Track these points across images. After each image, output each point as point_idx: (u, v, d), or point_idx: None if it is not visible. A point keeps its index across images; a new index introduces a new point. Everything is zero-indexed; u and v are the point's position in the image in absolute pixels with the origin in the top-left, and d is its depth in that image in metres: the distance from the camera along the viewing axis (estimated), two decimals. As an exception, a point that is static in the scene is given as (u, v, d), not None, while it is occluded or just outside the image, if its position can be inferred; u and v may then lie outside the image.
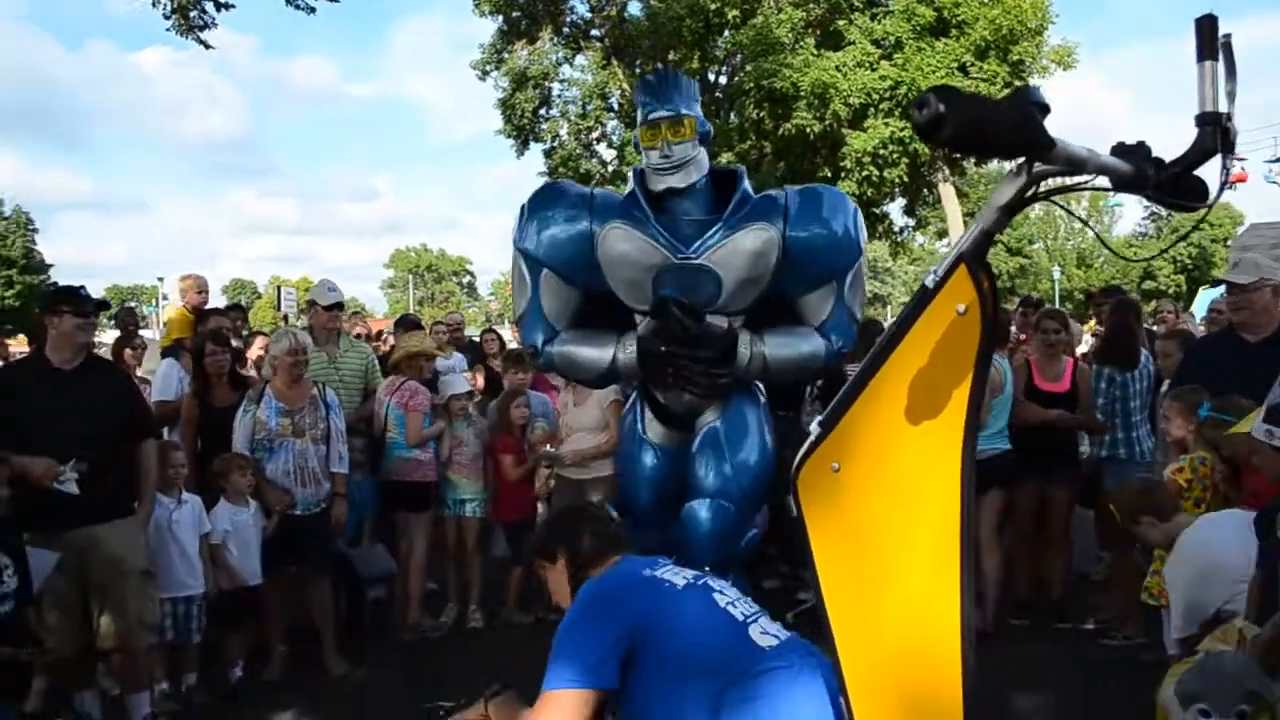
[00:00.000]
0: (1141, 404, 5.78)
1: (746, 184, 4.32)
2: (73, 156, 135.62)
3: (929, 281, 1.33)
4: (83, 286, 4.63)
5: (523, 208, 4.40)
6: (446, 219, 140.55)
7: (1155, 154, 1.38)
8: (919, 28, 22.59)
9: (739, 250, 4.15)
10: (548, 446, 6.40)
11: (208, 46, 14.63)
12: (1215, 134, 1.37)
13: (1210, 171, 1.41)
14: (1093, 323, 11.24)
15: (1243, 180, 25.90)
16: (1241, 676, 2.95)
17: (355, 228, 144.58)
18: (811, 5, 23.60)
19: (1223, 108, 1.38)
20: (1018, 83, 22.21)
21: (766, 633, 2.42)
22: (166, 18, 14.18)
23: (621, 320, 4.45)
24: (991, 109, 1.15)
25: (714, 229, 4.17)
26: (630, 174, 4.47)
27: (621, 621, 2.41)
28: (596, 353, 4.42)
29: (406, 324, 8.27)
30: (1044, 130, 1.20)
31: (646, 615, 2.42)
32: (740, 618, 2.45)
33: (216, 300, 7.97)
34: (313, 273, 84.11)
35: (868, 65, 22.60)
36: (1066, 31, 56.15)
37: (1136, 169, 1.35)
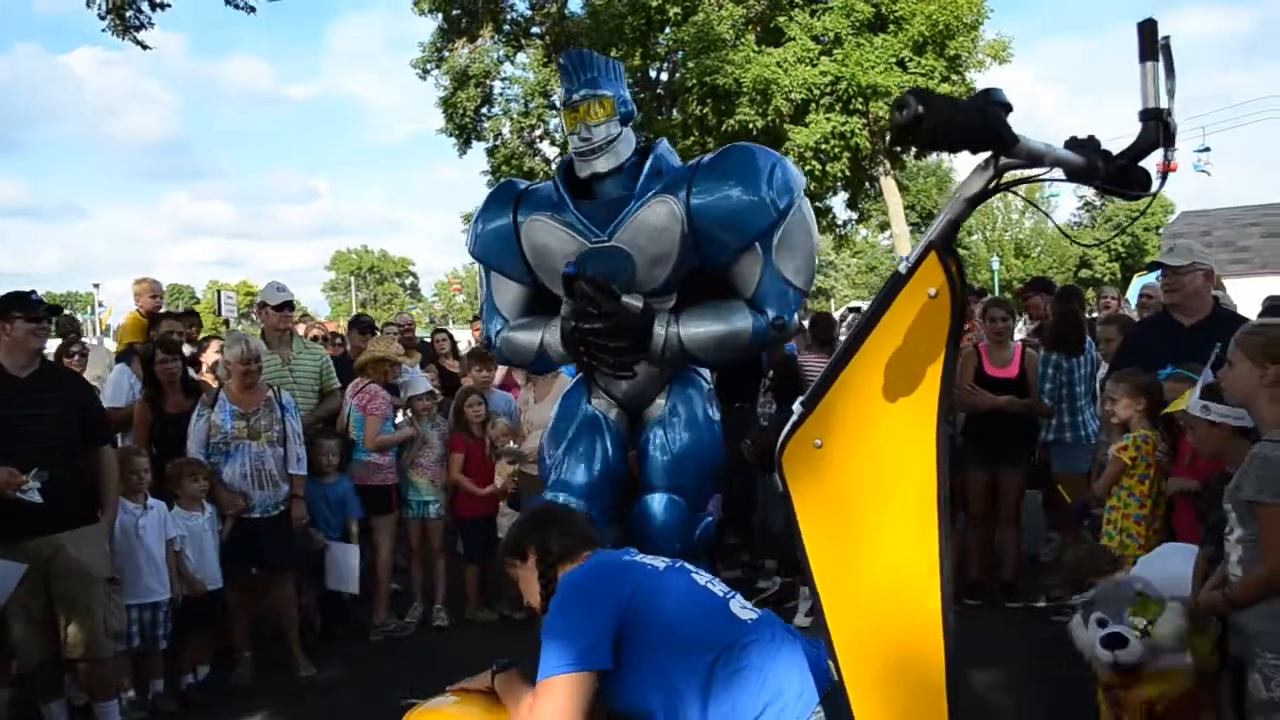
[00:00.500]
0: (1086, 388, 5.99)
1: (666, 156, 4.28)
2: (4, 161, 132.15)
3: (902, 268, 1.44)
4: (33, 292, 4.59)
5: (476, 212, 4.69)
6: (388, 220, 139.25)
7: (1104, 147, 1.50)
8: (858, 23, 22.89)
9: (642, 226, 4.07)
10: (510, 443, 6.45)
11: (145, 47, 14.37)
12: (1157, 128, 1.49)
13: (1153, 162, 1.53)
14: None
15: (1173, 170, 26.51)
16: (1130, 583, 3.17)
17: (295, 230, 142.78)
18: (752, 2, 23.81)
19: (1163, 104, 1.49)
20: (954, 76, 22.66)
21: (745, 608, 2.48)
22: (102, 18, 13.92)
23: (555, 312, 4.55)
24: (962, 109, 1.25)
25: (627, 208, 4.12)
26: (558, 166, 4.48)
27: (610, 604, 2.44)
28: (527, 336, 4.55)
29: (361, 325, 8.29)
30: (1008, 127, 1.31)
31: (633, 596, 2.45)
32: (720, 594, 2.51)
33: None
34: (252, 276, 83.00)
35: (808, 61, 22.85)
36: (1001, 26, 56.98)
37: (1088, 161, 1.46)
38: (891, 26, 22.78)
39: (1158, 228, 45.38)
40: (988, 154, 1.35)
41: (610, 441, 4.51)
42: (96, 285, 42.29)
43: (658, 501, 4.39)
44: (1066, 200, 55.43)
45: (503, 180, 4.90)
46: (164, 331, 6.20)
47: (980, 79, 23.50)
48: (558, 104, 28.36)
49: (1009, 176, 1.41)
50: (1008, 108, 1.33)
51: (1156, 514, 4.38)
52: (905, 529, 1.45)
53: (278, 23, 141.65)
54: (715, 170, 4.08)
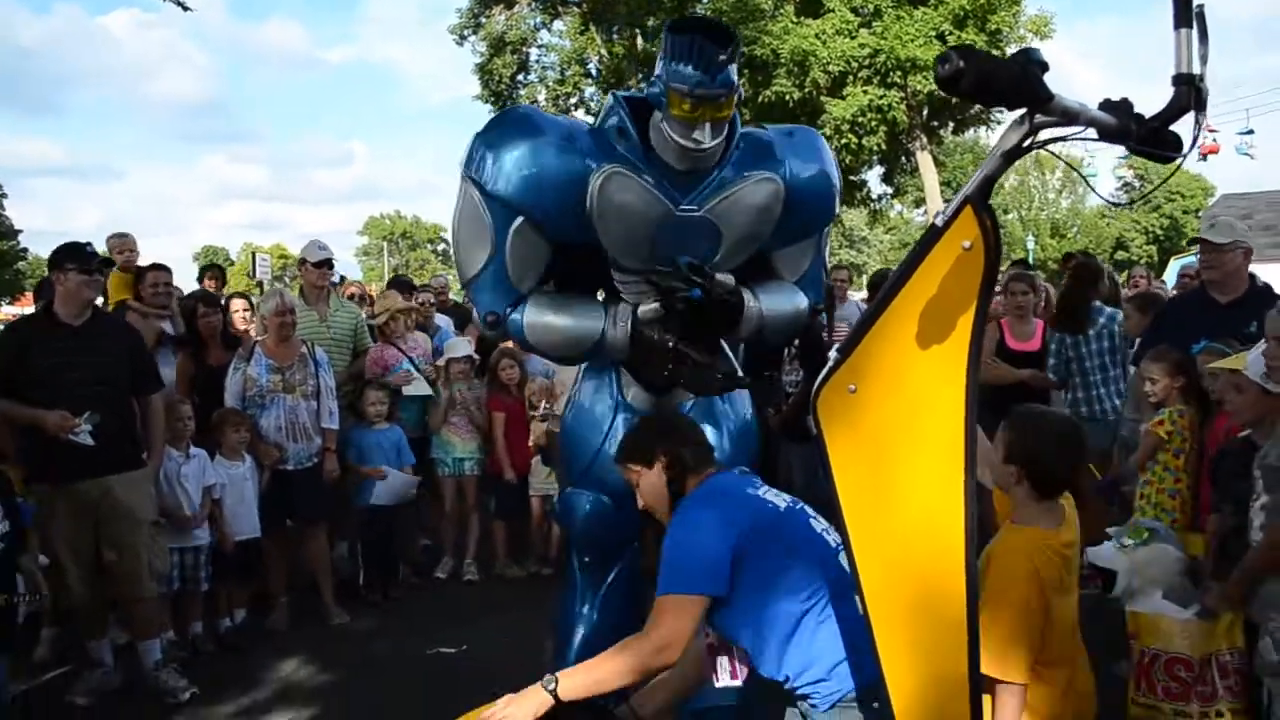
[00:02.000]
0: (1101, 364, 5.92)
1: (740, 125, 3.64)
2: (44, 122, 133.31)
3: (938, 221, 1.50)
4: (89, 244, 4.72)
5: (483, 138, 3.50)
6: (422, 185, 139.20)
7: (1136, 110, 1.55)
8: (898, -5, 22.68)
9: (744, 204, 3.51)
10: (545, 403, 6.54)
11: (185, 8, 14.51)
12: (1189, 93, 1.54)
13: (1185, 126, 1.58)
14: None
15: (1215, 152, 26.06)
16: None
17: (329, 194, 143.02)
18: (792, -28, 23.62)
19: (1196, 69, 1.54)
20: (994, 51, 22.38)
21: None
22: (144, -23, 14.06)
23: (592, 280, 3.82)
24: (1001, 65, 1.32)
25: (711, 176, 3.47)
26: (610, 102, 3.60)
27: (732, 533, 2.48)
28: (581, 323, 3.64)
29: (400, 285, 8.46)
30: (1044, 85, 1.37)
31: (753, 530, 2.50)
32: (833, 544, 2.52)
33: (190, 266, 8.02)
34: (286, 240, 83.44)
35: (847, 33, 22.68)
36: (1043, 2, 56.34)
37: (1121, 122, 1.52)
38: (932, 0, 22.56)
39: (1198, 210, 44.83)
40: (1024, 110, 1.42)
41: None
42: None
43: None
44: (1104, 181, 54.72)
45: (514, 108, 3.95)
46: (150, 284, 6.28)
47: (1021, 55, 23.22)
48: (593, 73, 28.41)
49: (1045, 135, 1.46)
50: (1045, 67, 1.39)
51: (1192, 489, 4.41)
52: (934, 471, 1.52)
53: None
54: (802, 150, 3.70)
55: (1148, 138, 1.56)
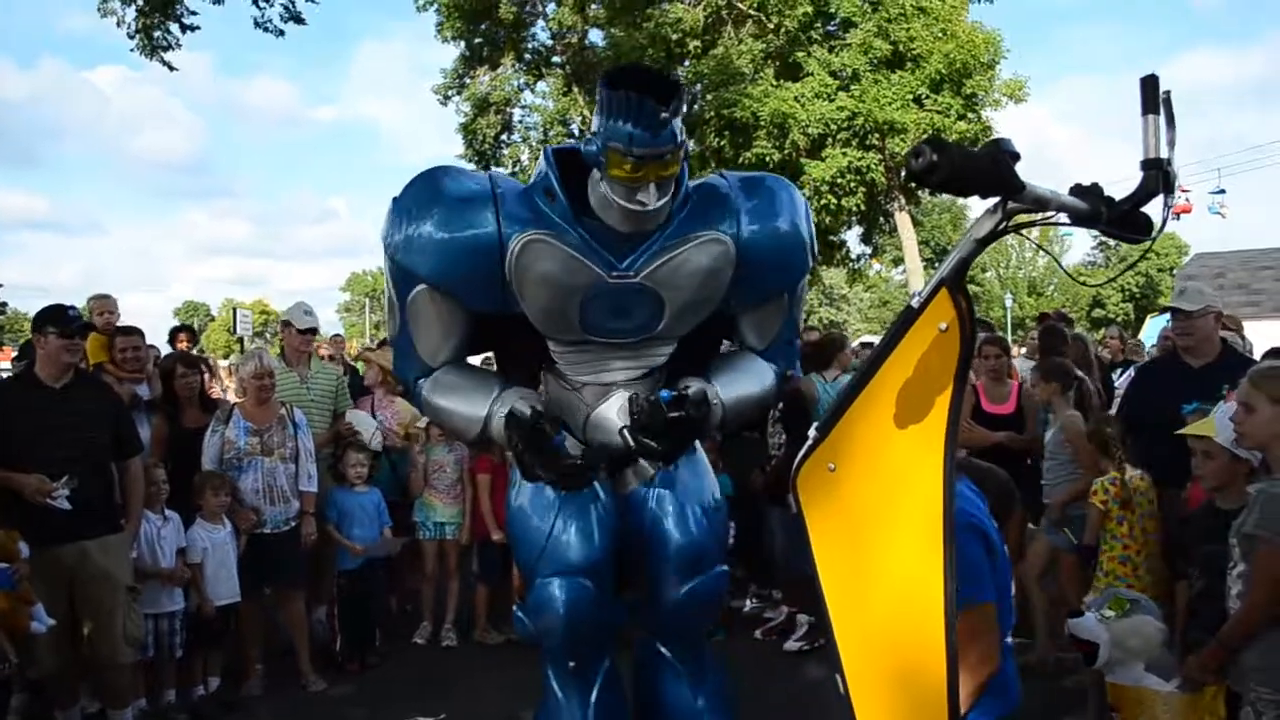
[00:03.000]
0: None
1: (687, 180, 3.25)
2: (27, 175, 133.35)
3: (914, 303, 1.53)
4: (72, 307, 4.72)
5: (395, 201, 3.23)
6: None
7: (1107, 193, 1.59)
8: (875, 60, 23.09)
9: (687, 268, 3.16)
10: None
11: (171, 68, 14.67)
12: (1158, 177, 1.58)
13: (1154, 208, 1.63)
14: (1018, 349, 11.57)
15: (1187, 211, 26.58)
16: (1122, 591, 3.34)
17: (311, 250, 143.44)
18: (771, 37, 24.03)
19: (1164, 154, 1.59)
20: (970, 114, 22.79)
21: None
22: (130, 37, 14.19)
23: (522, 352, 3.51)
24: (973, 157, 1.35)
25: (652, 237, 3.13)
26: (542, 158, 3.26)
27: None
28: (465, 409, 3.37)
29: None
30: (1016, 174, 1.41)
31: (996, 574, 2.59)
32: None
33: (172, 321, 8.07)
34: (268, 295, 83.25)
35: (826, 96, 23.03)
36: (1017, 66, 57.41)
37: (1091, 207, 1.56)
38: (909, 64, 22.96)
39: (1172, 269, 45.45)
40: (997, 198, 1.45)
41: (605, 506, 3.44)
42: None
43: (706, 583, 3.51)
44: (1081, 240, 55.43)
45: (435, 167, 3.36)
46: (120, 348, 6.28)
47: (996, 117, 23.66)
48: (576, 133, 28.70)
49: (1017, 220, 1.50)
50: (1016, 156, 1.43)
51: (1145, 554, 4.46)
52: (913, 549, 1.53)
53: (304, 46, 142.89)
54: (761, 201, 3.30)
55: (1118, 221, 1.60)
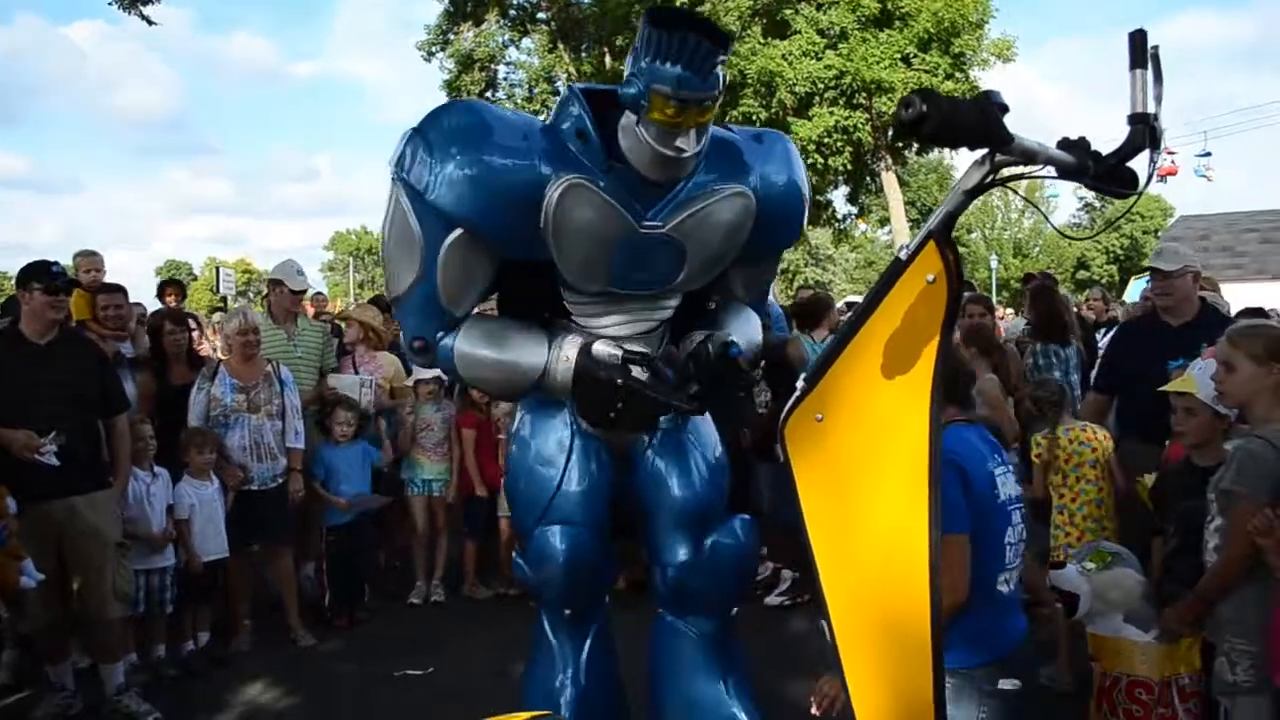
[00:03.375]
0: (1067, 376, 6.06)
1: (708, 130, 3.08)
2: (6, 134, 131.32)
3: (902, 255, 1.55)
4: (56, 263, 4.69)
5: (420, 135, 3.00)
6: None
7: (1094, 148, 1.61)
8: (864, 19, 23.00)
9: (714, 221, 3.10)
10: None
11: (150, 23, 14.44)
12: (1144, 132, 1.59)
13: (1140, 164, 1.64)
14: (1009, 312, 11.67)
15: (1173, 174, 26.65)
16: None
17: (294, 209, 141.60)
18: (759, -7, 23.88)
19: (1151, 109, 1.60)
20: (958, 74, 22.76)
21: (1009, 584, 2.68)
22: (109, -10, 13.96)
23: (537, 299, 3.32)
24: (962, 109, 1.37)
25: (676, 189, 3.04)
26: (566, 94, 3.13)
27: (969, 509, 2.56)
28: (520, 359, 3.19)
29: (382, 305, 8.49)
30: (1004, 126, 1.43)
31: (975, 516, 2.57)
32: (1008, 562, 2.67)
33: (153, 281, 8.03)
34: (250, 254, 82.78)
35: (813, 54, 22.95)
36: (1005, 26, 56.97)
37: (1078, 161, 1.58)
38: (897, 23, 22.88)
39: (1157, 231, 45.61)
40: (985, 150, 1.47)
41: (607, 461, 3.41)
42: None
43: (740, 527, 3.46)
44: (1066, 200, 55.56)
45: (479, 102, 3.25)
46: (102, 306, 6.26)
47: (984, 77, 23.62)
48: (560, 90, 28.48)
49: (1005, 172, 1.51)
50: (1005, 109, 1.44)
51: (1090, 506, 4.65)
52: (899, 497, 1.56)
53: (283, 1, 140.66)
54: (774, 159, 3.26)
55: (1104, 175, 1.61)
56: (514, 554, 3.57)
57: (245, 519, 5.55)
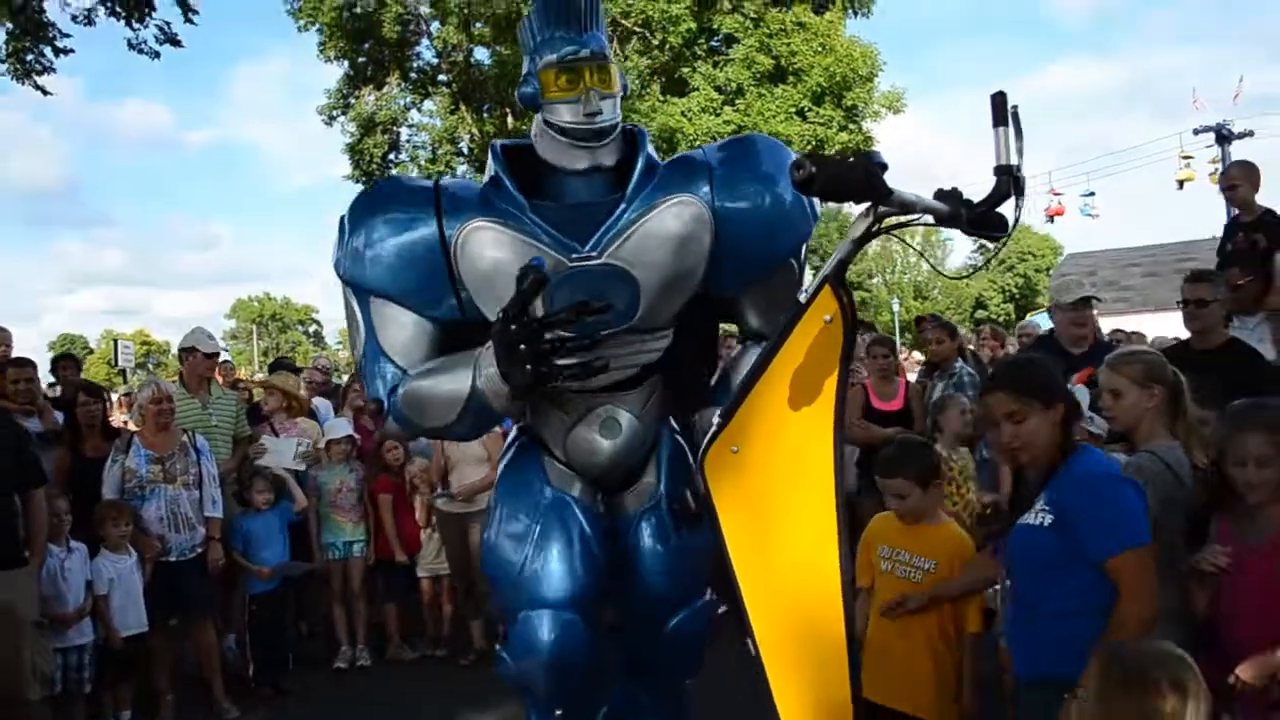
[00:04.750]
0: None
1: (650, 150, 2.99)
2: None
3: (802, 299, 1.72)
4: None
5: (342, 220, 3.01)
6: (291, 268, 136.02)
7: (965, 196, 1.81)
8: (759, 75, 23.68)
9: (656, 236, 2.85)
10: (438, 489, 6.52)
11: (45, 93, 14.23)
12: (1009, 182, 1.80)
13: (1008, 209, 1.85)
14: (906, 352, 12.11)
15: (1060, 214, 27.71)
16: None
17: (193, 277, 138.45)
18: (656, 53, 24.44)
19: (1013, 161, 1.81)
20: (851, 125, 23.56)
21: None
22: (1, 61, 13.75)
23: None
24: (847, 168, 1.55)
25: (616, 213, 2.85)
26: (490, 152, 3.02)
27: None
28: (448, 383, 2.87)
29: (285, 367, 8.46)
30: (884, 182, 1.61)
31: None
32: None
33: (46, 355, 7.81)
34: (148, 325, 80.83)
35: (711, 110, 23.53)
36: (895, 78, 59.08)
37: (952, 208, 1.78)
38: (791, 78, 23.61)
39: (1048, 269, 47.43)
40: (869, 204, 1.65)
41: (589, 530, 3.04)
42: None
43: (705, 609, 3.23)
44: (962, 243, 57.46)
45: (387, 177, 3.36)
46: (12, 380, 6.18)
47: (876, 127, 24.49)
48: (464, 151, 28.67)
49: (889, 222, 1.70)
50: (884, 167, 1.63)
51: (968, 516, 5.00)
52: (810, 518, 1.72)
53: (177, 68, 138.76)
54: (740, 164, 2.97)
55: (976, 220, 1.81)
56: (496, 646, 3.26)
57: (165, 591, 5.48)
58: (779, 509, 1.76)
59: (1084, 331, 5.17)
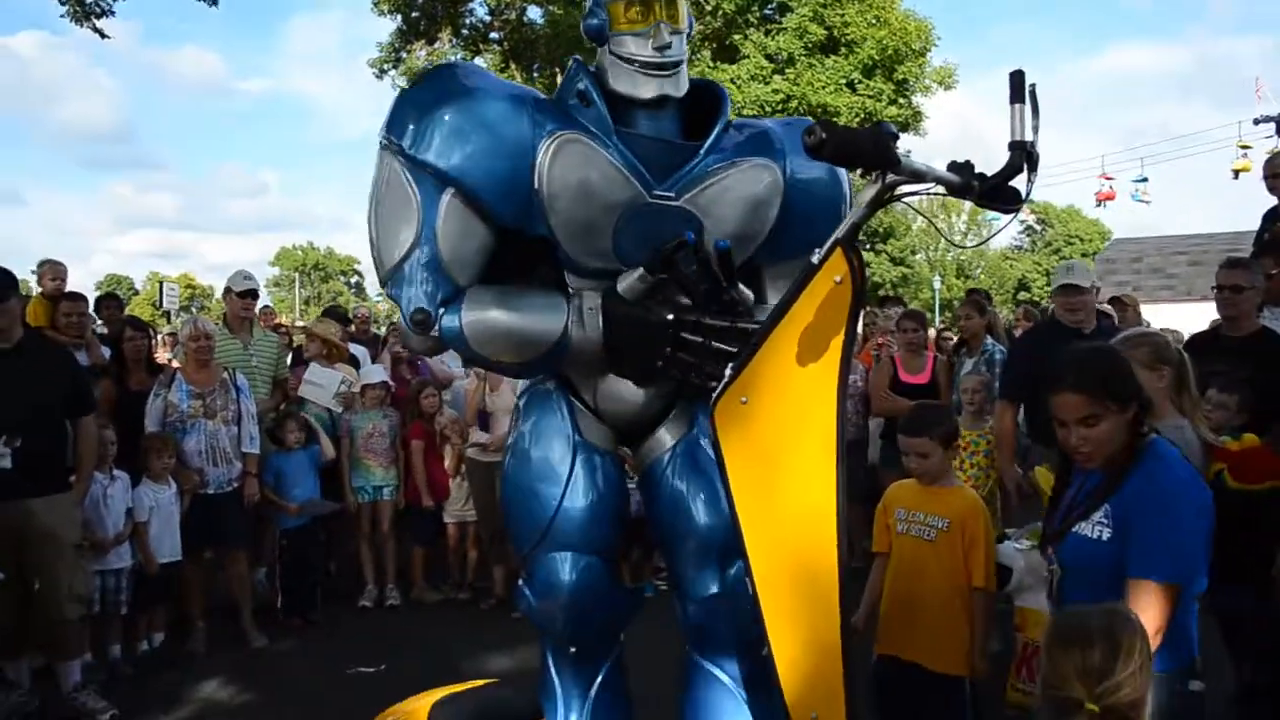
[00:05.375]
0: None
1: (728, 108, 2.97)
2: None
3: (814, 259, 1.80)
4: (3, 270, 4.73)
5: (411, 96, 2.87)
6: (336, 218, 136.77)
7: (978, 170, 1.88)
8: (810, 45, 23.50)
9: (734, 194, 2.85)
10: (456, 437, 6.67)
11: (104, 36, 14.41)
12: (1023, 156, 1.87)
13: (1021, 183, 1.91)
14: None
15: (1111, 199, 27.39)
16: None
17: (240, 224, 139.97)
18: (709, 19, 24.30)
19: (1028, 137, 1.87)
20: (901, 99, 23.34)
21: None
22: (62, 2, 13.93)
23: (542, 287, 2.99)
24: (858, 136, 1.63)
25: (695, 159, 2.82)
26: (572, 69, 2.90)
27: (1207, 527, 2.39)
28: (537, 320, 2.81)
29: (336, 316, 8.70)
30: (894, 150, 1.69)
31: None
32: None
33: (93, 295, 7.97)
34: (194, 270, 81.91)
35: (761, 79, 23.40)
36: (948, 53, 58.20)
37: (964, 180, 1.85)
38: (843, 49, 23.41)
39: (1096, 253, 46.87)
40: (877, 171, 1.73)
41: (615, 478, 3.09)
42: (34, 272, 41.59)
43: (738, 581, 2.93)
44: (1011, 225, 56.93)
45: (459, 62, 3.19)
46: (64, 313, 6.40)
47: (926, 102, 24.25)
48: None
49: (901, 191, 1.78)
50: (895, 136, 1.70)
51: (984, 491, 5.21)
52: (812, 469, 1.82)
53: (233, 17, 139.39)
54: None
55: (989, 193, 1.88)
56: (519, 583, 3.20)
57: (201, 523, 5.68)
58: (783, 458, 1.86)
59: (1078, 316, 5.26)
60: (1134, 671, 1.82)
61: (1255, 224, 6.45)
